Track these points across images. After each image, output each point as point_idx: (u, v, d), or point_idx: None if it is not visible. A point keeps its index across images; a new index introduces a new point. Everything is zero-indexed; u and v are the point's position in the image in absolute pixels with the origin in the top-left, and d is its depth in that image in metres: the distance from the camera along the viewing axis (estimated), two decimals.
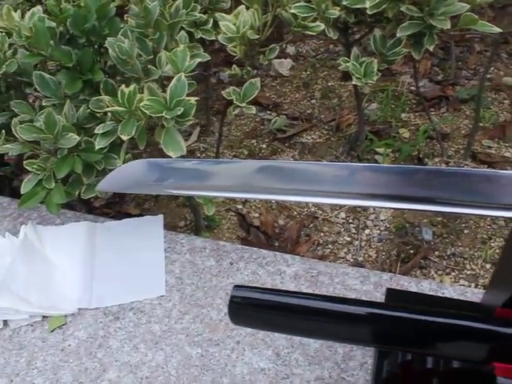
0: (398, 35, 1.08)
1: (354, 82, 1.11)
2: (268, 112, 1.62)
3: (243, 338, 0.98)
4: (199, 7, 1.23)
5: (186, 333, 1.00)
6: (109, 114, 0.92)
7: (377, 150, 1.44)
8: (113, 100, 0.92)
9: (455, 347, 0.62)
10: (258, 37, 1.07)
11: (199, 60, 0.97)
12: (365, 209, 1.33)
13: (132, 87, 0.91)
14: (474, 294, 1.05)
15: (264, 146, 1.52)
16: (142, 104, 0.88)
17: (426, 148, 1.46)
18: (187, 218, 1.33)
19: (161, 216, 1.18)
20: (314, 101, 1.64)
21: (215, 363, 0.95)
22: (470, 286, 1.19)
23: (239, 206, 1.36)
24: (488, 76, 1.65)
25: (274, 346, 0.97)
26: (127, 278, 1.08)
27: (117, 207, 1.39)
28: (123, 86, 0.92)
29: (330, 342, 0.95)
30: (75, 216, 1.21)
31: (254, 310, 0.67)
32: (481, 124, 1.53)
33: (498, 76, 1.65)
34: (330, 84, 1.67)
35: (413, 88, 1.66)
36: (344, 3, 1.08)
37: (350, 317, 0.65)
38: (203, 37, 1.23)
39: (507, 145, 1.45)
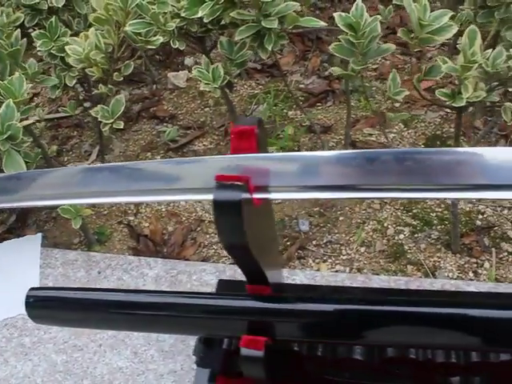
0: (236, 38, 1.14)
1: (202, 88, 1.17)
2: (164, 124, 1.68)
3: (105, 341, 1.03)
4: (70, 32, 1.30)
5: (54, 341, 1.05)
6: None
7: None
8: None
9: (218, 325, 0.68)
10: (102, 55, 1.13)
11: (30, 85, 1.02)
12: None
13: None
14: (324, 278, 1.11)
15: (159, 157, 1.57)
16: None
17: (310, 142, 1.52)
18: (81, 234, 1.38)
19: (39, 235, 1.23)
20: (207, 109, 1.70)
21: (78, 367, 1.01)
22: (345, 271, 1.25)
23: (131, 218, 1.41)
24: (374, 66, 1.72)
25: (132, 345, 1.02)
26: (2, 297, 1.13)
27: (18, 231, 1.43)
28: None
29: (184, 337, 1.01)
30: None
31: (48, 308, 0.72)
32: (363, 113, 1.59)
33: (384, 66, 1.72)
34: None
35: (302, 86, 1.72)
36: (183, 15, 1.14)
37: (133, 306, 0.70)
38: None
39: (386, 131, 1.51)
